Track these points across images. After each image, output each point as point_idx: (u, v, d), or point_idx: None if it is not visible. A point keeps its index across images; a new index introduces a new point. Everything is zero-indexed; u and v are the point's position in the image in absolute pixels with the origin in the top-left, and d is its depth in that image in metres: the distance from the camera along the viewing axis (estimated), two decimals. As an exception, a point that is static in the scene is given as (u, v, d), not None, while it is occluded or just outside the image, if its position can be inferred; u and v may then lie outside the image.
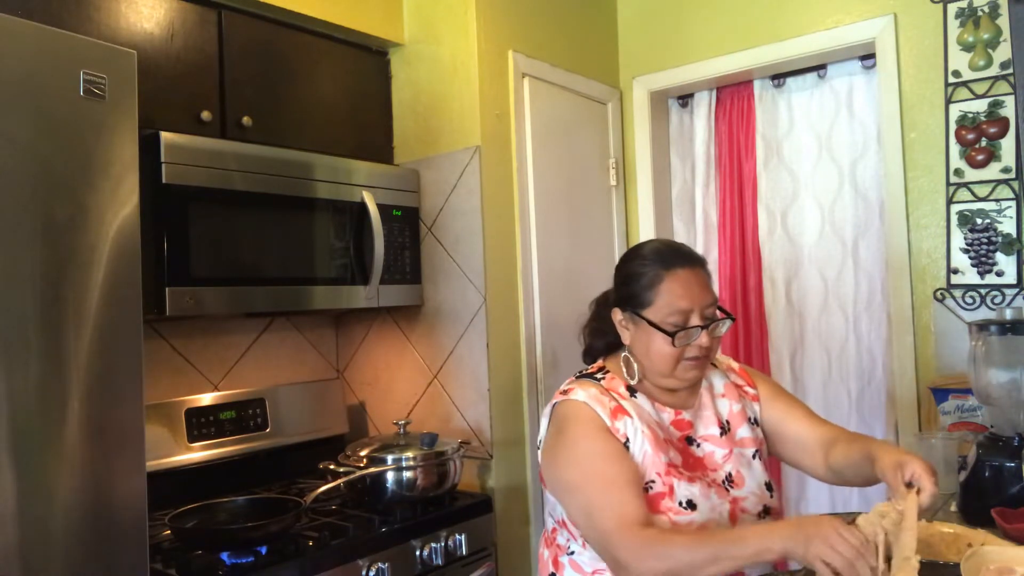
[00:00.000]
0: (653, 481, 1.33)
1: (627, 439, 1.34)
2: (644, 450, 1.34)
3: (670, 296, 1.35)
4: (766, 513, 1.38)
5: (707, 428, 1.44)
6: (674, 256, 1.39)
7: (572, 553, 1.40)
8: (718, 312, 1.39)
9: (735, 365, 1.58)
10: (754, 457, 1.44)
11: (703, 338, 1.35)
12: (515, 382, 2.30)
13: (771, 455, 1.53)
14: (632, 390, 1.42)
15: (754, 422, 1.50)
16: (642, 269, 1.39)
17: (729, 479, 1.39)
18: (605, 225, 2.76)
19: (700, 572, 1.15)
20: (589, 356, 1.56)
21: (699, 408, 1.46)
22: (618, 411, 1.37)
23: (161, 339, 2.17)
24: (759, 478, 1.41)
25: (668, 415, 1.42)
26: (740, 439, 1.45)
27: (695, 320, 1.35)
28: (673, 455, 1.36)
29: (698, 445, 1.43)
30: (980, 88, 2.17)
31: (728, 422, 1.46)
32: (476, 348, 2.24)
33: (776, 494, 1.42)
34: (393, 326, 2.47)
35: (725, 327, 1.39)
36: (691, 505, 1.31)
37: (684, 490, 1.32)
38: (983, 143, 2.16)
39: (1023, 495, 1.50)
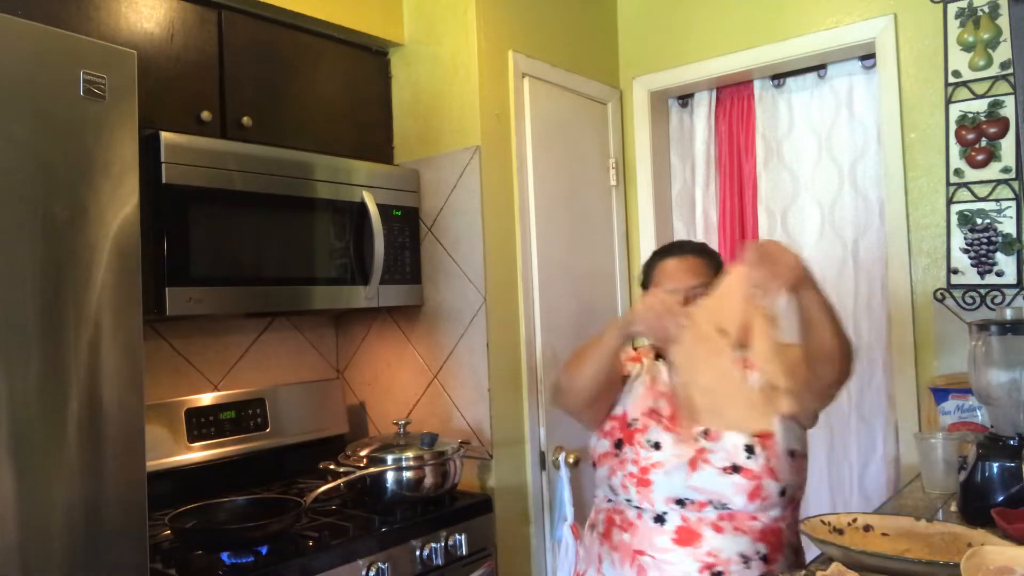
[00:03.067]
0: (636, 419, 1.55)
1: (628, 375, 1.63)
2: (637, 391, 1.59)
3: (659, 278, 1.63)
4: (735, 471, 1.41)
5: None
6: (670, 248, 1.72)
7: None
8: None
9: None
10: None
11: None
12: (515, 382, 2.30)
13: None
14: (659, 355, 1.63)
15: None
16: (649, 260, 1.74)
17: (705, 433, 1.46)
18: (605, 225, 2.76)
19: (579, 370, 1.51)
20: None
21: None
22: (634, 359, 1.68)
23: (161, 339, 2.17)
24: (739, 439, 1.44)
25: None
26: None
27: None
28: (662, 404, 1.55)
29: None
30: (980, 88, 2.17)
31: None
32: (476, 348, 2.24)
33: (761, 460, 1.41)
34: (393, 326, 2.47)
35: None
36: (656, 446, 1.49)
37: (655, 433, 1.51)
38: (983, 143, 2.16)
39: (1023, 495, 1.50)
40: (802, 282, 1.29)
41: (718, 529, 1.41)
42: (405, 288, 2.29)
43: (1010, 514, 1.40)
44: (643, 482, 1.46)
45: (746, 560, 1.40)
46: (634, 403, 1.58)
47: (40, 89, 1.32)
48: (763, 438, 1.43)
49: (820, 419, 2.56)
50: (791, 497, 1.48)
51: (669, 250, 1.69)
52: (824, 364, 1.37)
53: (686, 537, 1.41)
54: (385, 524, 1.91)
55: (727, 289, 1.24)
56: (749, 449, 1.42)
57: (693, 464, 1.43)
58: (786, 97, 2.68)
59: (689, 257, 1.62)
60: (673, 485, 1.43)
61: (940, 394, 2.15)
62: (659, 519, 1.45)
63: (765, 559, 1.40)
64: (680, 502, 1.43)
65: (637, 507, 1.48)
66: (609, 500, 1.56)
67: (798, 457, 1.48)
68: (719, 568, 1.39)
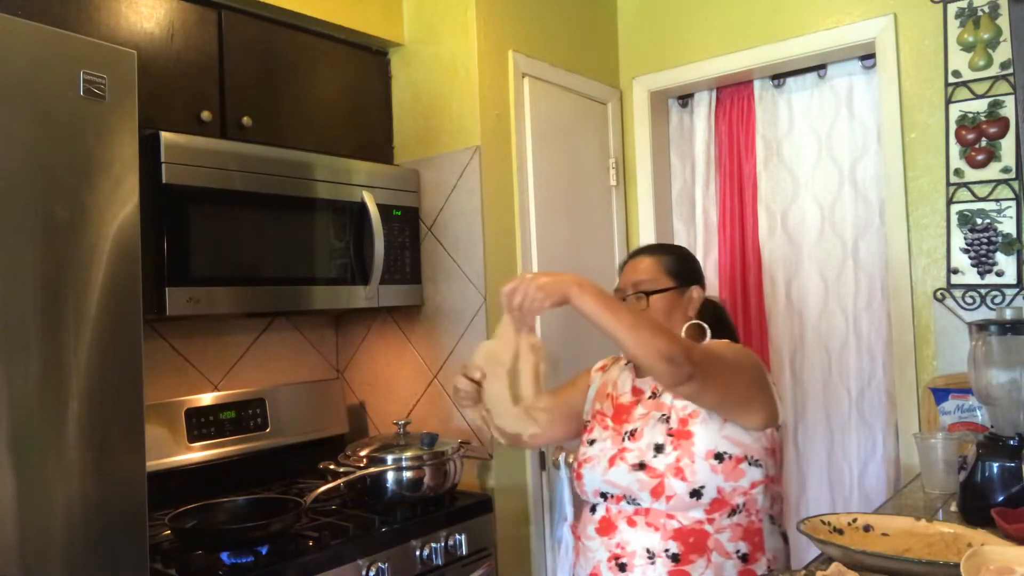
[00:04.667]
0: (588, 420, 1.65)
1: (590, 384, 1.72)
2: (590, 395, 1.70)
3: (618, 280, 1.69)
4: (640, 468, 1.43)
5: (646, 391, 1.56)
6: (630, 252, 1.75)
7: None
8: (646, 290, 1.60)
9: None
10: (661, 420, 1.48)
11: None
12: (515, 382, 2.30)
13: None
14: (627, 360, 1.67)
15: None
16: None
17: (633, 433, 1.50)
18: (605, 225, 2.76)
19: None
20: None
21: (648, 377, 1.59)
22: (601, 368, 1.74)
23: (161, 339, 2.17)
24: (653, 439, 1.45)
25: (630, 379, 1.62)
26: (660, 403, 1.51)
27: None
28: (607, 405, 1.61)
29: (632, 402, 1.58)
30: (980, 88, 2.17)
31: (660, 389, 1.53)
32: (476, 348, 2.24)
33: (669, 459, 1.41)
34: (393, 326, 2.47)
35: (630, 301, 1.59)
36: (591, 443, 1.56)
37: (596, 431, 1.58)
38: (983, 143, 2.16)
39: (1023, 495, 1.50)
40: (564, 299, 1.33)
41: (632, 523, 1.44)
42: (405, 288, 2.29)
43: (1010, 514, 1.40)
44: (578, 475, 1.55)
45: (651, 556, 1.41)
46: (590, 405, 1.68)
47: (40, 89, 1.32)
48: (677, 437, 1.43)
49: (820, 419, 2.60)
50: (720, 500, 1.41)
51: (631, 253, 1.73)
52: (646, 369, 1.41)
53: (605, 527, 1.48)
54: (385, 524, 1.91)
55: (503, 325, 1.38)
56: (659, 448, 1.44)
57: (612, 461, 1.48)
58: (786, 97, 2.68)
59: (641, 258, 1.65)
60: (595, 479, 1.50)
61: (940, 394, 2.15)
62: (592, 509, 1.54)
63: (675, 558, 1.39)
64: (604, 495, 1.50)
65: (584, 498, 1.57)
66: None
67: (729, 460, 1.41)
68: (624, 560, 1.43)
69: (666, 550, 1.40)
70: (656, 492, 1.41)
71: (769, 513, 1.47)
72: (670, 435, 1.44)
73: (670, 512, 1.41)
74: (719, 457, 1.41)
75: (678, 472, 1.40)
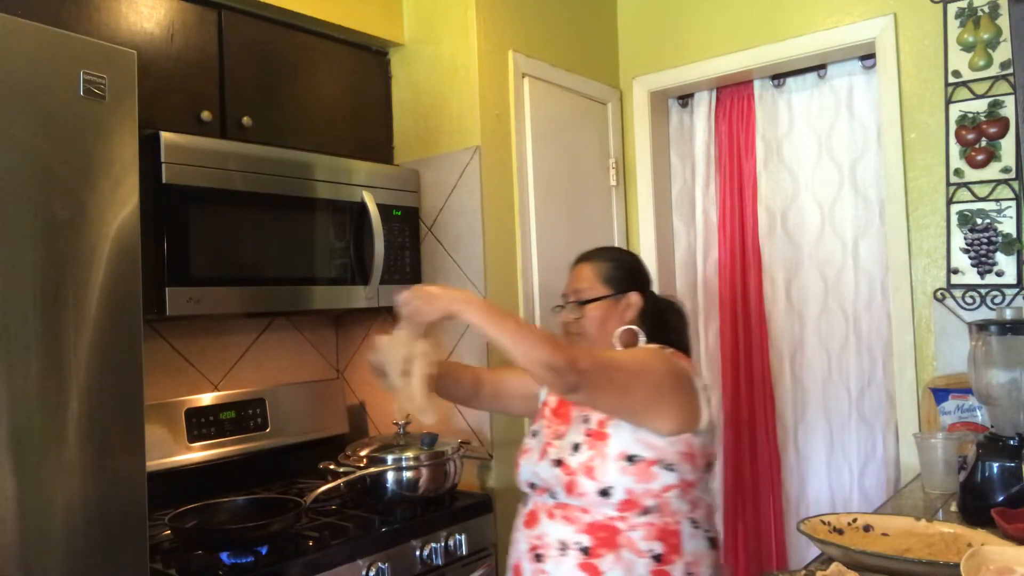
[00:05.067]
0: (538, 410, 1.71)
1: None
2: (542, 393, 1.73)
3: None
4: (558, 464, 1.49)
5: None
6: (576, 258, 1.75)
7: None
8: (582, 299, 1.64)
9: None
10: (583, 420, 1.54)
11: (561, 315, 1.69)
12: (515, 382, 2.30)
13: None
14: None
15: None
16: None
17: (561, 430, 1.57)
18: (605, 225, 2.76)
19: None
20: None
21: None
22: None
23: (161, 339, 2.17)
24: (573, 438, 1.51)
25: None
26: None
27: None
28: (552, 399, 1.67)
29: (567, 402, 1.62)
30: (980, 88, 2.17)
31: None
32: (476, 348, 2.24)
33: (582, 458, 1.46)
34: (393, 326, 2.46)
35: (567, 310, 1.66)
36: (534, 434, 1.64)
37: (539, 423, 1.66)
38: (983, 143, 2.16)
39: (1023, 495, 1.50)
40: (450, 313, 1.40)
41: (551, 516, 1.49)
42: (405, 288, 2.28)
43: (1010, 514, 1.40)
44: (516, 464, 1.61)
45: (563, 548, 1.44)
46: (544, 394, 1.72)
47: (40, 89, 1.32)
48: (594, 438, 1.47)
49: (820, 419, 2.60)
50: (630, 501, 1.42)
51: (576, 259, 1.74)
52: (535, 379, 1.43)
53: (530, 519, 1.54)
54: (385, 524, 1.91)
55: (399, 328, 1.50)
56: (576, 447, 1.48)
57: (542, 454, 1.55)
58: (786, 97, 2.68)
59: (581, 265, 1.69)
60: (527, 470, 1.57)
61: (940, 394, 2.15)
62: (525, 501, 1.59)
63: (585, 551, 1.42)
64: (532, 486, 1.56)
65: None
66: None
67: (641, 463, 1.42)
68: (541, 551, 1.48)
69: (577, 543, 1.44)
70: (569, 488, 1.46)
71: (690, 516, 1.47)
72: (588, 435, 1.49)
73: (584, 507, 1.45)
74: (630, 459, 1.44)
75: (589, 471, 1.44)
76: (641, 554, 1.42)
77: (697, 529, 1.48)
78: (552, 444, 1.54)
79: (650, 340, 1.61)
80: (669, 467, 1.44)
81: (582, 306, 1.63)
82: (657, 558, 1.42)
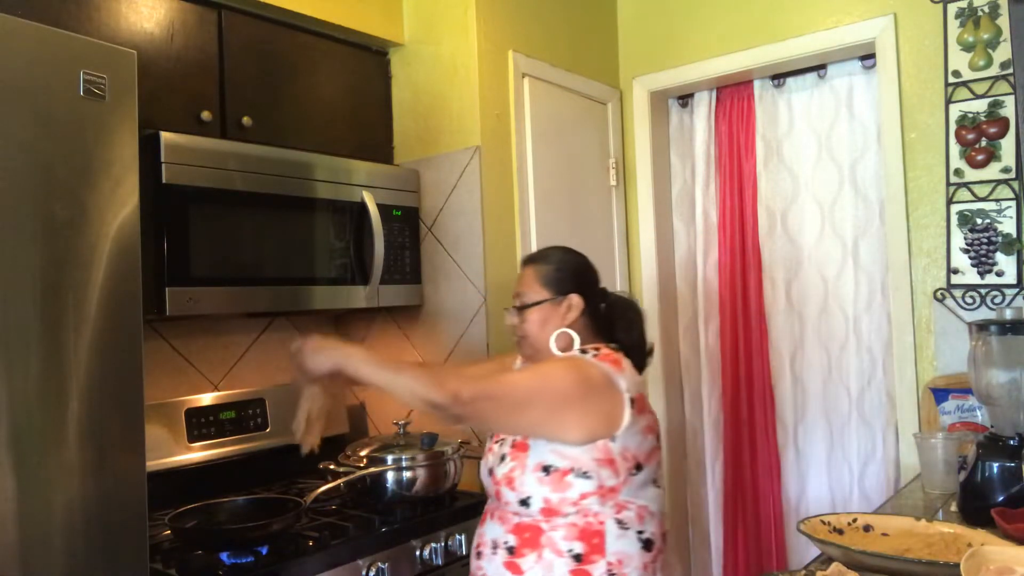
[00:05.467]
0: None
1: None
2: None
3: None
4: (491, 473, 1.55)
5: None
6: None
7: None
8: (525, 302, 1.63)
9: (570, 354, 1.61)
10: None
11: (506, 318, 1.67)
12: (515, 382, 2.30)
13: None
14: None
15: None
16: None
17: (501, 439, 1.60)
18: (605, 225, 2.76)
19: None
20: None
21: None
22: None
23: (161, 339, 2.17)
24: (503, 449, 1.56)
25: None
26: None
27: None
28: None
29: None
30: (980, 88, 2.17)
31: None
32: (476, 348, 2.24)
33: (505, 469, 1.51)
34: (393, 326, 2.47)
35: (509, 315, 1.65)
36: (491, 437, 1.65)
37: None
38: (983, 143, 2.16)
39: (1023, 495, 1.50)
40: (335, 367, 1.45)
41: (491, 516, 1.56)
42: (405, 288, 2.29)
43: (1010, 514, 1.40)
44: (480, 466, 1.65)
45: (495, 546, 1.50)
46: None
47: (40, 89, 1.32)
48: (517, 450, 1.51)
49: (820, 419, 2.60)
50: (549, 509, 1.44)
51: (521, 260, 1.74)
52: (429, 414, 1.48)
53: (482, 518, 1.61)
54: (385, 524, 1.91)
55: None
56: (503, 457, 1.53)
57: (486, 460, 1.61)
58: (786, 97, 2.68)
59: (524, 269, 1.67)
60: (482, 472, 1.62)
61: (940, 394, 2.15)
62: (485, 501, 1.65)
63: (511, 550, 1.47)
64: (483, 488, 1.62)
65: None
66: None
67: (556, 472, 1.44)
68: (480, 549, 1.55)
69: (505, 542, 1.49)
70: (497, 496, 1.53)
71: (616, 518, 1.45)
72: (513, 447, 1.53)
73: (516, 510, 1.49)
74: (546, 470, 1.45)
75: (510, 483, 1.48)
76: (561, 554, 1.43)
77: (626, 530, 1.46)
78: (492, 451, 1.59)
79: (598, 341, 1.59)
80: (585, 475, 1.44)
81: (522, 311, 1.62)
82: (577, 558, 1.43)
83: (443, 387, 1.38)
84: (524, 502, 1.47)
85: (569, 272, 1.64)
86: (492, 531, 1.53)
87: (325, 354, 1.47)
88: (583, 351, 1.55)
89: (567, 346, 1.58)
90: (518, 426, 1.49)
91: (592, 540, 1.44)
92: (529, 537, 1.46)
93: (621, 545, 1.45)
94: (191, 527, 1.74)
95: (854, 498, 2.54)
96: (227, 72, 2.02)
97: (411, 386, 1.40)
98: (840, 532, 1.41)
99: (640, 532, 1.47)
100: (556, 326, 1.59)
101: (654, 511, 1.51)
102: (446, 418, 1.40)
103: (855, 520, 1.44)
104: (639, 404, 1.49)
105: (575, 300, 1.60)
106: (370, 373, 1.45)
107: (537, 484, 1.45)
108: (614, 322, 1.65)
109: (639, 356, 1.64)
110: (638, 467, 1.48)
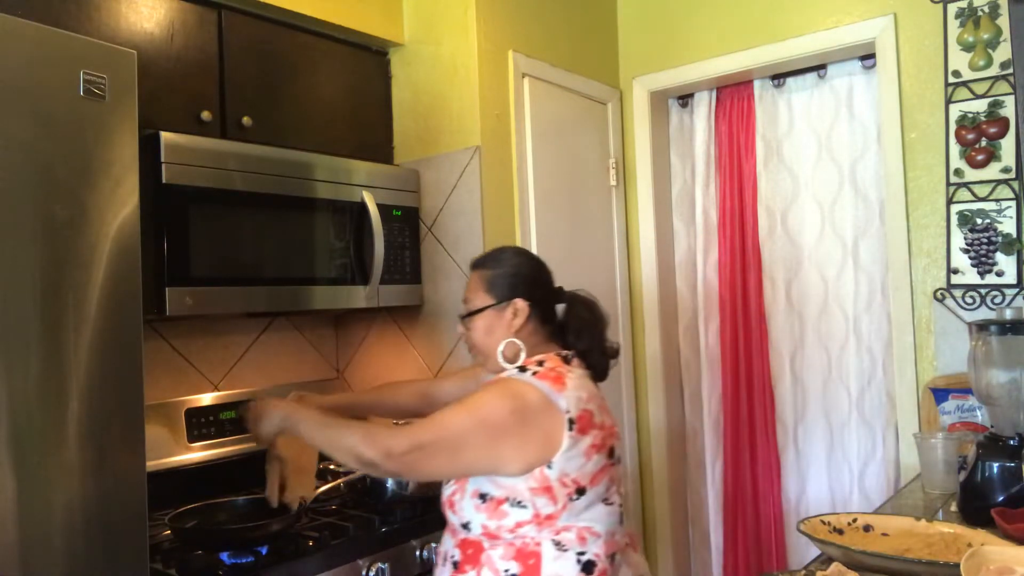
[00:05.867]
0: None
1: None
2: None
3: None
4: (440, 494, 1.55)
5: None
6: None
7: None
8: (472, 310, 1.56)
9: (510, 373, 1.51)
10: None
11: (458, 327, 1.61)
12: (515, 382, 2.30)
13: None
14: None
15: None
16: None
17: None
18: (605, 225, 2.76)
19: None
20: None
21: None
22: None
23: (161, 339, 2.17)
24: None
25: None
26: None
27: None
28: None
29: None
30: (980, 88, 2.17)
31: None
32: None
33: (447, 493, 1.50)
34: (393, 326, 2.47)
35: (459, 325, 1.59)
36: None
37: None
38: (983, 143, 2.16)
39: (1023, 495, 1.50)
40: (281, 429, 1.55)
41: (448, 529, 1.53)
42: (405, 288, 2.29)
43: (1010, 514, 1.40)
44: None
45: (445, 559, 1.50)
46: None
47: (40, 89, 1.32)
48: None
49: (820, 419, 2.60)
50: (488, 534, 1.41)
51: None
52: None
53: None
54: (385, 524, 1.91)
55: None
56: (448, 480, 1.51)
57: None
58: (786, 97, 2.68)
59: (471, 274, 1.60)
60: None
61: (940, 394, 2.15)
62: None
63: (455, 565, 1.46)
64: None
65: None
66: None
67: (491, 501, 1.40)
68: (437, 559, 1.56)
69: (452, 556, 1.48)
70: (444, 516, 1.52)
71: (553, 539, 1.39)
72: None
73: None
74: (483, 497, 1.42)
75: (451, 505, 1.47)
76: (498, 573, 1.40)
77: (564, 551, 1.39)
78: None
79: (551, 346, 1.53)
80: (519, 504, 1.38)
81: (466, 319, 1.55)
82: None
83: (374, 444, 1.38)
84: (465, 526, 1.44)
85: (511, 275, 1.54)
86: (445, 543, 1.53)
87: (267, 418, 1.56)
88: (522, 368, 1.47)
89: (514, 356, 1.50)
90: (455, 470, 1.44)
91: (528, 561, 1.39)
92: (472, 554, 1.44)
93: (557, 567, 1.38)
94: (191, 527, 1.74)
95: (854, 498, 2.54)
96: (227, 72, 2.02)
97: (346, 445, 1.42)
98: (840, 532, 1.41)
99: (580, 554, 1.40)
100: (503, 334, 1.51)
101: (600, 531, 1.42)
102: (381, 474, 1.45)
103: (855, 520, 1.44)
104: (581, 423, 1.39)
105: (520, 305, 1.51)
106: (309, 434, 1.50)
107: (475, 511, 1.42)
108: (564, 324, 1.57)
109: (600, 359, 1.55)
110: (580, 491, 1.39)
